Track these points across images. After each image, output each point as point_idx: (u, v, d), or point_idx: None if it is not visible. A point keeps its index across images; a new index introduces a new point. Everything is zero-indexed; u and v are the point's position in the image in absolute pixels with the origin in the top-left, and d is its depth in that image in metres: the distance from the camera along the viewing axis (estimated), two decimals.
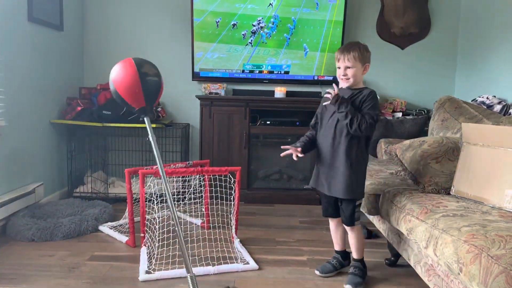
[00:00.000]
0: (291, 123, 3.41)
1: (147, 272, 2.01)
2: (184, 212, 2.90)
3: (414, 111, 3.53)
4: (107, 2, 3.62)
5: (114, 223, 2.71)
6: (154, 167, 2.44)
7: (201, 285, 1.90)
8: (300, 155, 1.90)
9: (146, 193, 2.30)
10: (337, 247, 2.15)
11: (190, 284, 1.62)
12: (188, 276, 1.65)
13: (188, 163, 2.65)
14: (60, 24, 3.20)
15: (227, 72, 3.55)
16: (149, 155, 3.49)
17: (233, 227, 2.48)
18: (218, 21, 3.45)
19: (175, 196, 2.85)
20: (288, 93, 3.50)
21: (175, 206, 2.92)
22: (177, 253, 2.21)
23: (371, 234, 2.64)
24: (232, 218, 2.49)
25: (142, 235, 2.28)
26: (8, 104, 2.58)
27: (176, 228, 1.72)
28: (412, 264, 1.88)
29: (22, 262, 2.14)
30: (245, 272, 2.09)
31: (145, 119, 1.79)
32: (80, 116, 3.18)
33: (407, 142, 2.13)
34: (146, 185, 2.31)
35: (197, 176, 2.75)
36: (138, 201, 2.33)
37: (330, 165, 1.92)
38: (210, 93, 3.47)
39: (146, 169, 2.33)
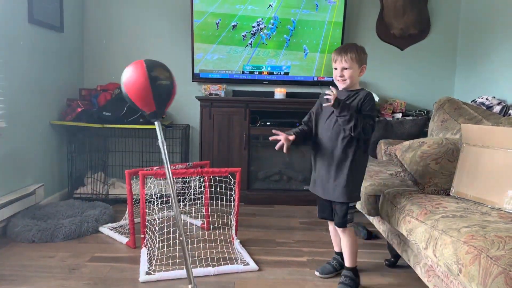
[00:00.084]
0: (291, 124, 3.38)
1: (147, 273, 2.01)
2: (184, 213, 2.90)
3: (413, 112, 3.54)
4: (107, 3, 3.62)
5: (114, 224, 2.71)
6: (155, 168, 2.45)
7: (201, 286, 1.90)
8: (290, 137, 1.87)
9: (146, 194, 2.30)
10: (336, 248, 2.15)
11: None
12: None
13: (188, 164, 2.66)
14: (60, 26, 3.20)
15: (227, 73, 3.56)
16: (149, 156, 3.49)
17: (233, 228, 2.48)
18: (218, 22, 3.45)
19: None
20: (288, 94, 3.50)
21: (178, 210, 2.93)
22: (177, 254, 2.22)
23: (371, 235, 2.64)
24: (232, 219, 2.49)
25: (142, 236, 2.28)
26: (8, 105, 2.58)
27: (182, 242, 1.70)
28: (412, 265, 1.88)
29: (23, 263, 2.15)
30: (245, 273, 2.10)
31: (155, 123, 1.74)
32: (80, 118, 3.18)
33: (406, 143, 2.13)
34: (146, 186, 2.32)
35: (197, 177, 2.75)
36: (138, 202, 2.33)
37: (327, 168, 1.90)
38: (210, 94, 3.48)
39: (146, 170, 2.33)
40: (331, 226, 2.11)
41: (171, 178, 1.76)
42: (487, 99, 2.89)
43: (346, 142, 1.84)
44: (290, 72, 3.57)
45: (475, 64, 3.38)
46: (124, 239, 2.46)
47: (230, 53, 3.51)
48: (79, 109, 3.22)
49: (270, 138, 1.93)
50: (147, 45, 3.65)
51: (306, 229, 2.81)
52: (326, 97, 1.80)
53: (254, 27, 3.47)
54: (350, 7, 3.56)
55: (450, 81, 3.73)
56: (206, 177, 2.63)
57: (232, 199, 2.43)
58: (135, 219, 2.44)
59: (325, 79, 3.55)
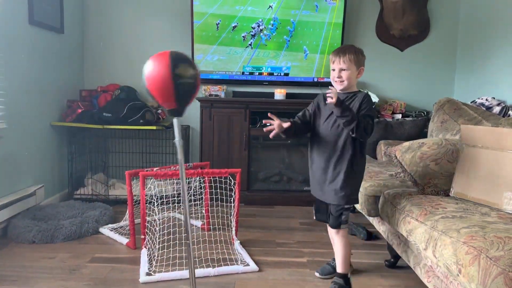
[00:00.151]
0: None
1: (148, 274, 2.02)
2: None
3: (413, 112, 3.54)
4: (107, 4, 3.63)
5: (114, 225, 2.71)
6: (155, 169, 2.45)
7: (201, 287, 1.91)
8: (285, 125, 1.83)
9: (146, 195, 2.30)
10: None
11: None
12: None
13: (188, 165, 2.66)
14: (60, 27, 3.21)
15: (227, 74, 3.56)
16: (150, 157, 3.49)
17: (233, 228, 2.48)
18: (218, 23, 3.46)
19: (175, 198, 2.85)
20: (288, 95, 3.50)
21: (175, 208, 2.94)
22: (177, 255, 2.22)
23: (371, 235, 2.64)
24: (232, 220, 2.50)
25: (142, 237, 2.29)
26: (9, 106, 2.59)
27: (189, 249, 1.68)
28: (411, 266, 1.88)
29: (23, 264, 2.15)
30: (245, 274, 2.10)
31: (174, 120, 1.66)
32: (80, 118, 3.18)
33: (406, 144, 2.13)
34: (146, 187, 2.32)
35: (197, 178, 2.75)
36: (139, 203, 2.33)
37: (324, 170, 1.88)
38: (210, 95, 3.48)
39: (146, 171, 2.33)
40: (329, 228, 2.09)
41: (185, 178, 1.70)
42: (486, 100, 2.89)
43: (344, 144, 1.82)
44: (290, 73, 3.58)
45: (475, 65, 3.39)
46: (124, 240, 2.46)
47: (230, 54, 3.52)
48: (80, 110, 3.22)
49: (264, 121, 1.88)
50: (147, 46, 3.65)
51: (306, 229, 2.81)
52: (328, 95, 1.75)
53: (254, 28, 3.48)
54: (350, 8, 3.57)
55: (450, 82, 3.74)
56: (206, 178, 2.63)
57: (232, 200, 2.43)
58: (135, 220, 2.44)
59: (325, 80, 3.55)
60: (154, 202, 2.37)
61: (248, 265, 2.16)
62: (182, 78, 1.57)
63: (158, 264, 2.13)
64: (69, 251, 2.33)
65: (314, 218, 2.06)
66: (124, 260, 2.24)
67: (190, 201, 2.75)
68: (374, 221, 2.40)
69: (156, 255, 2.23)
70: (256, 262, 2.20)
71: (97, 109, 3.28)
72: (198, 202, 2.78)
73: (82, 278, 2.01)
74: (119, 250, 2.39)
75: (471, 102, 2.97)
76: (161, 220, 2.51)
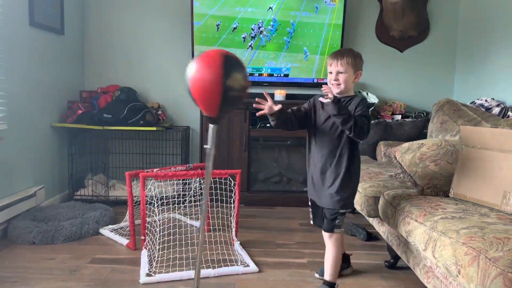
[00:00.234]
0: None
1: (148, 275, 2.02)
2: (185, 215, 2.91)
3: (413, 113, 3.54)
4: (107, 6, 3.64)
5: (114, 226, 2.71)
6: (155, 170, 2.46)
7: None
8: (275, 107, 1.78)
9: (146, 196, 2.31)
10: None
11: None
12: None
13: (188, 166, 2.67)
14: (61, 28, 3.22)
15: None
16: (150, 158, 3.50)
17: (233, 229, 2.49)
18: (219, 25, 3.46)
19: (175, 199, 2.86)
20: (288, 96, 3.51)
21: (176, 209, 2.94)
22: (177, 255, 2.22)
23: (370, 236, 2.65)
24: (232, 221, 2.50)
25: (142, 237, 2.29)
26: (9, 107, 2.59)
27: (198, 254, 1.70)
28: (411, 266, 1.89)
29: (24, 265, 2.15)
30: (245, 275, 2.10)
31: (210, 126, 1.57)
32: (80, 120, 3.19)
33: (406, 144, 2.14)
34: (146, 188, 2.32)
35: (197, 179, 2.76)
36: (139, 204, 2.34)
37: (320, 174, 1.85)
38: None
39: (146, 172, 2.34)
40: (323, 232, 2.02)
41: (208, 185, 1.64)
42: (486, 100, 2.90)
43: (342, 148, 1.80)
44: (290, 74, 3.58)
45: (474, 66, 3.39)
46: (124, 241, 2.47)
47: None
48: (80, 111, 3.23)
49: (256, 99, 1.81)
50: (147, 47, 3.66)
51: (306, 230, 2.82)
52: (324, 90, 1.71)
53: (253, 29, 3.49)
54: (350, 9, 3.58)
55: (450, 83, 3.74)
56: None
57: (232, 201, 2.44)
58: (135, 221, 2.44)
59: (325, 80, 3.54)
60: (154, 203, 2.38)
61: (248, 266, 2.16)
62: (232, 90, 1.43)
63: (158, 265, 2.13)
64: (70, 252, 2.33)
65: (312, 223, 2.05)
66: (124, 261, 2.24)
67: (190, 202, 2.75)
68: (374, 222, 2.40)
69: (156, 256, 2.23)
70: (256, 263, 2.20)
71: (97, 110, 3.29)
72: (198, 203, 2.78)
73: (82, 279, 2.01)
74: (119, 251, 2.39)
75: (470, 103, 2.98)
76: (161, 221, 2.51)
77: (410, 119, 3.41)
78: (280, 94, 3.47)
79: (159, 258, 2.20)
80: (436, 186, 1.98)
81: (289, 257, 2.35)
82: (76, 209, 2.83)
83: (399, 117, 3.45)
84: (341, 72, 1.79)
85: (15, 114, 2.66)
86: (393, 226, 1.92)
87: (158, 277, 2.00)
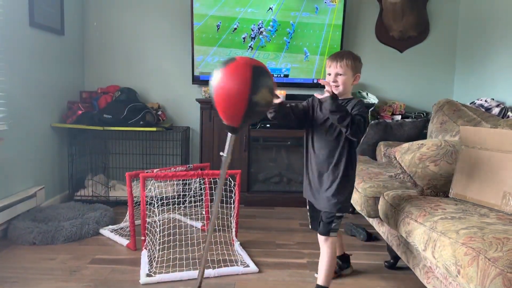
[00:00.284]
0: (291, 126, 3.41)
1: (148, 275, 2.02)
2: (185, 215, 2.91)
3: (413, 114, 3.54)
4: (107, 6, 3.64)
5: (115, 226, 2.72)
6: (155, 170, 2.46)
7: None
8: (276, 100, 1.76)
9: (146, 196, 2.31)
10: (337, 251, 2.14)
11: None
12: None
13: (189, 166, 2.67)
14: (61, 29, 3.22)
15: None
16: (150, 159, 3.50)
17: (233, 230, 2.49)
18: (219, 25, 3.47)
19: (176, 199, 2.86)
20: (288, 96, 3.51)
21: (176, 210, 2.95)
22: (177, 256, 2.23)
23: (370, 236, 2.65)
24: (232, 221, 2.50)
25: (142, 238, 2.29)
26: (9, 108, 2.60)
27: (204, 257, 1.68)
28: (411, 267, 1.89)
29: (24, 266, 2.15)
30: (245, 275, 2.10)
31: (228, 135, 1.51)
32: (81, 120, 3.19)
33: (406, 145, 2.14)
34: (146, 189, 2.33)
35: (198, 179, 2.76)
36: (139, 204, 2.34)
37: (318, 177, 1.84)
38: (211, 96, 3.48)
39: (146, 172, 2.34)
40: (318, 235, 1.97)
41: (221, 192, 1.62)
42: (486, 101, 2.90)
43: (340, 150, 1.79)
44: (290, 74, 3.59)
45: (474, 66, 3.39)
46: (124, 241, 2.47)
47: (230, 55, 3.53)
48: (80, 112, 3.23)
49: None
50: (147, 48, 3.66)
51: (306, 230, 2.81)
52: (322, 82, 1.71)
53: (253, 30, 3.49)
54: (350, 9, 3.58)
55: (449, 83, 3.75)
56: (206, 179, 2.64)
57: (232, 201, 2.44)
58: (135, 221, 2.45)
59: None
60: (154, 204, 2.38)
61: (248, 266, 2.17)
62: (258, 106, 1.39)
63: (158, 265, 2.14)
64: (70, 253, 2.33)
65: (310, 227, 2.03)
66: (125, 261, 2.24)
67: (190, 202, 2.75)
68: (374, 222, 2.40)
69: (157, 256, 2.24)
70: (256, 263, 2.20)
71: (98, 110, 3.29)
72: (198, 203, 2.78)
73: (82, 280, 2.02)
74: (119, 251, 2.39)
75: (470, 103, 2.98)
76: (161, 221, 2.51)
77: (410, 120, 3.41)
78: (280, 94, 3.43)
79: (159, 259, 2.20)
80: (436, 187, 1.98)
81: (289, 257, 2.36)
82: (76, 210, 2.84)
83: (399, 117, 3.46)
84: (340, 74, 1.79)
85: (15, 114, 2.66)
86: (393, 226, 1.92)
87: (158, 278, 2.01)
